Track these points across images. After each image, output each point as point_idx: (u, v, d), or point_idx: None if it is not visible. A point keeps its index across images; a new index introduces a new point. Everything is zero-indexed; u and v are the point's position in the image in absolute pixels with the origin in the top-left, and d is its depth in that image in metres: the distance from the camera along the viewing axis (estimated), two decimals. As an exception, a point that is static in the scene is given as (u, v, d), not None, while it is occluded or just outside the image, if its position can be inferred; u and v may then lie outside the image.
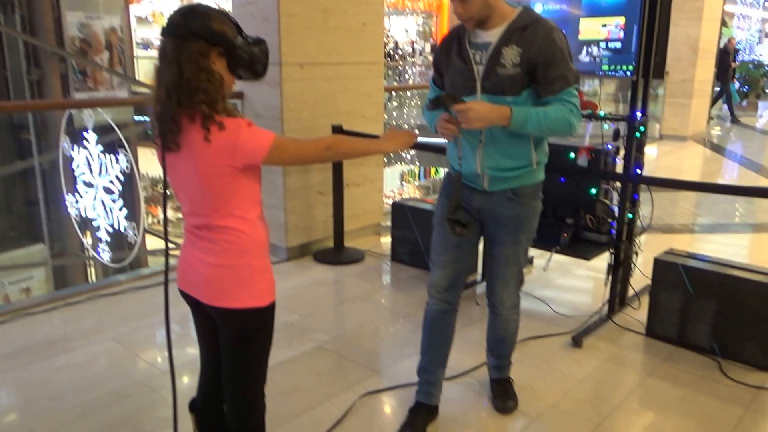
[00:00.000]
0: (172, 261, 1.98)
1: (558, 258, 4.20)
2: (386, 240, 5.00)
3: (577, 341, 3.34)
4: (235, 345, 1.89)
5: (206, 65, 1.72)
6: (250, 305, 1.84)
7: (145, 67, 11.63)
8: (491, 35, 2.27)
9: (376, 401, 2.84)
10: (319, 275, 4.38)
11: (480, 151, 2.32)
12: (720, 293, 3.15)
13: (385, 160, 5.34)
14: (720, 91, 14.12)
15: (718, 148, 10.64)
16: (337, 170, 4.56)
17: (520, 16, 2.26)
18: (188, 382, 2.94)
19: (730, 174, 8.58)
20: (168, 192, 1.89)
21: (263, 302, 1.86)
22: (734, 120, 13.67)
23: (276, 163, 1.82)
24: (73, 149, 6.69)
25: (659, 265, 3.35)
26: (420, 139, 2.36)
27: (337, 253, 4.68)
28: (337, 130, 4.42)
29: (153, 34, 13.40)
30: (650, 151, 10.04)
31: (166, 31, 1.74)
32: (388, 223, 4.93)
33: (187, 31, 1.71)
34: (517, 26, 2.23)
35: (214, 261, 1.82)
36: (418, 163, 10.56)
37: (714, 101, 13.91)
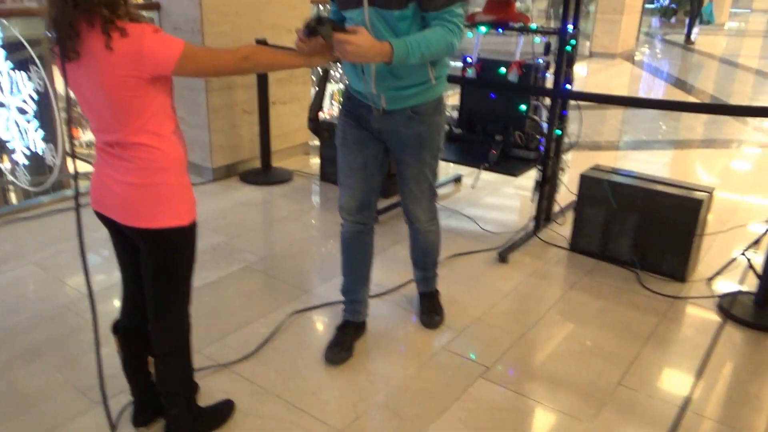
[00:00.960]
0: (86, 182, 1.88)
1: (487, 176, 4.25)
2: (315, 160, 4.93)
3: (503, 257, 3.42)
4: (157, 266, 1.84)
5: None
6: (170, 224, 1.78)
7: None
8: None
9: (305, 319, 2.86)
10: (246, 196, 4.30)
11: (374, 71, 2.24)
12: (642, 208, 3.25)
13: (313, 78, 5.19)
14: (692, 9, 13.56)
15: (646, 66, 10.84)
16: (262, 88, 4.40)
17: None
18: (118, 305, 2.87)
19: (657, 91, 8.78)
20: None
21: (184, 221, 1.80)
22: (687, 41, 13.21)
23: (188, 74, 1.71)
24: (-21, 66, 6.22)
25: (585, 180, 3.43)
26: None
27: (264, 174, 4.59)
28: (262, 44, 4.23)
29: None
30: (580, 69, 10.14)
31: None
32: (317, 142, 4.85)
33: None
34: None
35: (129, 180, 1.73)
36: (347, 82, 10.35)
37: (691, 22, 13.39)
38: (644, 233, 3.27)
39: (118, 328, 2.05)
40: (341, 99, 2.49)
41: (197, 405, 2.17)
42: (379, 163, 2.47)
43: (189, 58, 1.66)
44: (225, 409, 2.25)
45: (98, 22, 1.58)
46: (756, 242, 3.12)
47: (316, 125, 2.31)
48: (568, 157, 3.85)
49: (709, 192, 3.22)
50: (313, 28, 1.93)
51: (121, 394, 2.24)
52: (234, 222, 3.87)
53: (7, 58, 5.92)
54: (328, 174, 4.52)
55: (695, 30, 13.73)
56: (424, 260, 2.77)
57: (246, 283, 3.16)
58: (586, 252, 3.49)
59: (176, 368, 1.96)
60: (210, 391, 2.37)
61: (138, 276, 1.90)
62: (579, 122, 3.66)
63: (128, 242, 1.87)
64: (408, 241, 2.75)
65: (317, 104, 2.30)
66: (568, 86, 3.49)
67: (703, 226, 3.26)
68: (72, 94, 1.73)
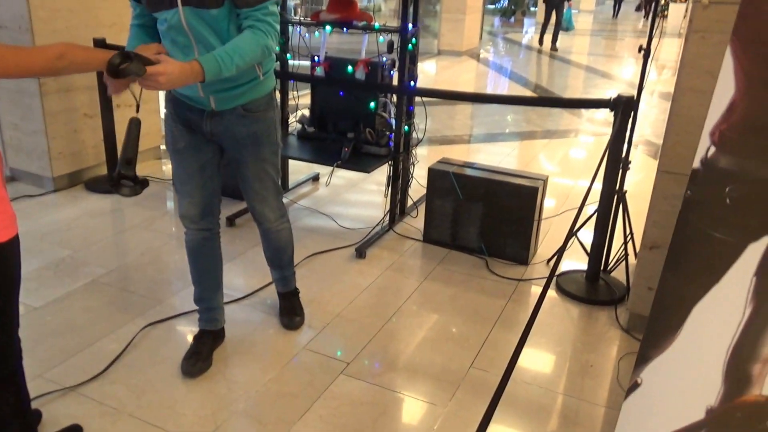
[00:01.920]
0: None
1: (345, 174, 4.26)
2: (167, 165, 4.71)
3: (360, 252, 3.45)
4: None
5: None
6: None
7: None
8: None
9: (159, 332, 2.72)
10: (92, 205, 4.03)
11: None
12: (486, 197, 3.40)
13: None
14: (547, 15, 12.69)
15: (489, 63, 11.37)
16: (104, 90, 4.12)
17: None
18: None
19: (500, 87, 9.23)
20: None
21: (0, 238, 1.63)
22: (554, 48, 12.58)
23: None
24: None
25: (433, 174, 3.53)
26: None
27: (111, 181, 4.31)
28: (100, 44, 3.97)
29: None
30: (429, 66, 10.46)
31: None
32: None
33: None
34: None
35: None
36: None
37: (543, 27, 12.86)
38: (489, 221, 3.42)
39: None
40: (165, 103, 2.35)
41: (37, 434, 1.99)
42: (216, 165, 2.39)
43: None
44: (71, 435, 2.09)
45: None
46: (583, 223, 3.34)
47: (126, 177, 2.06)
48: (418, 151, 3.94)
49: (544, 180, 3.42)
50: (118, 69, 1.75)
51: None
52: (79, 234, 3.61)
53: None
54: (180, 178, 4.33)
55: (529, 32, 14.27)
56: (279, 259, 2.73)
57: (94, 298, 2.96)
58: (438, 242, 3.60)
59: (5, 398, 1.78)
60: (55, 417, 2.19)
61: None
62: (425, 118, 3.75)
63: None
64: (262, 242, 2.70)
65: (131, 149, 2.08)
66: (412, 83, 3.56)
67: (540, 212, 3.46)
68: None
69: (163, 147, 4.94)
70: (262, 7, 2.05)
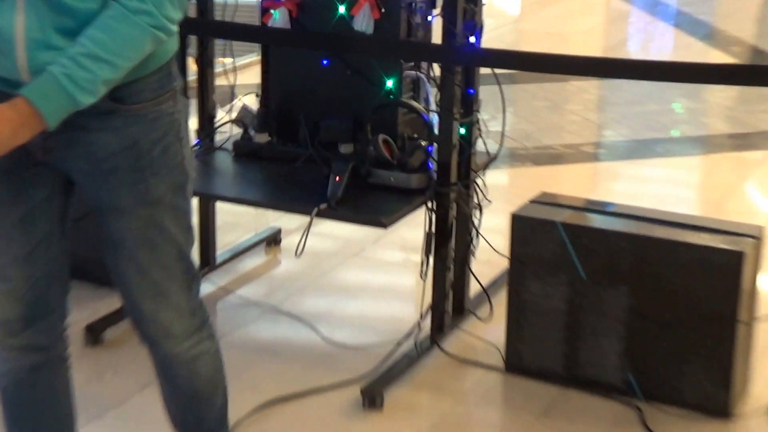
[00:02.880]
0: None
1: (339, 230, 4.28)
2: None
3: (371, 397, 3.42)
4: None
5: None
6: None
7: None
8: None
9: None
10: None
11: (22, 37, 2.16)
12: (635, 276, 3.36)
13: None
14: None
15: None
16: None
17: None
18: None
19: (659, 44, 9.30)
20: None
21: None
22: None
23: None
24: None
25: (521, 226, 3.52)
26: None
27: None
28: None
29: None
30: (507, 3, 10.62)
31: None
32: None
33: None
34: None
35: None
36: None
37: None
38: (644, 326, 3.37)
39: None
40: None
41: None
42: (59, 217, 2.43)
43: None
44: None
45: None
46: None
47: None
48: (489, 178, 3.93)
49: (757, 236, 3.39)
50: None
51: None
52: None
53: None
54: None
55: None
56: (196, 419, 2.72)
57: None
58: (539, 372, 3.57)
59: None
60: None
61: None
62: (502, 110, 3.77)
63: None
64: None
65: None
66: (472, 39, 3.58)
67: (753, 303, 3.41)
68: None
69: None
70: None
